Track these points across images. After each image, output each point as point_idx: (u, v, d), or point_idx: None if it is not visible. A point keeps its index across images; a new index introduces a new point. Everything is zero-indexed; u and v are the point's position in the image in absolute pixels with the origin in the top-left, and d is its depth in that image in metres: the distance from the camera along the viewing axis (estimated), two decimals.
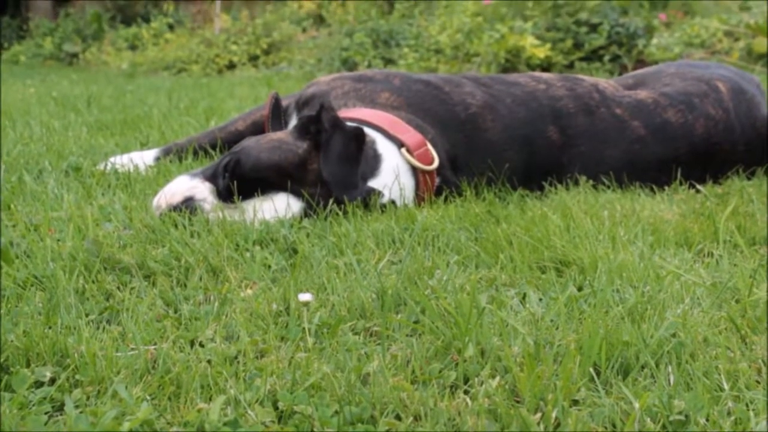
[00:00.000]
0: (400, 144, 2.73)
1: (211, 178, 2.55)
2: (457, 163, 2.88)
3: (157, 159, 3.35)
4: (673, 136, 3.11)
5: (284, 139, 2.61)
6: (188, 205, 2.49)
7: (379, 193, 2.60)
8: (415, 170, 2.72)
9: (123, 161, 3.25)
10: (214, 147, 3.37)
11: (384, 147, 2.72)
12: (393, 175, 2.67)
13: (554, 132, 3.00)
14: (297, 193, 2.53)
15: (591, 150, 3.01)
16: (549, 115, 3.01)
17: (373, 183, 2.63)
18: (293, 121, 3.10)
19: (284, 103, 3.17)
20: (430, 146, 2.78)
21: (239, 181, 2.50)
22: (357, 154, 2.60)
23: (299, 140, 2.60)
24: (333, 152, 2.55)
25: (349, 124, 2.67)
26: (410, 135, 2.76)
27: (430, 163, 2.75)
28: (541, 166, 2.97)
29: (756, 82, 3.55)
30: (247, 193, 2.51)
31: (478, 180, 2.86)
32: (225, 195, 2.51)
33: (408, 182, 2.70)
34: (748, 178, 3.13)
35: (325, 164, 2.54)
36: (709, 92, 3.24)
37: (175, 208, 2.48)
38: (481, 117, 2.95)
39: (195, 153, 3.37)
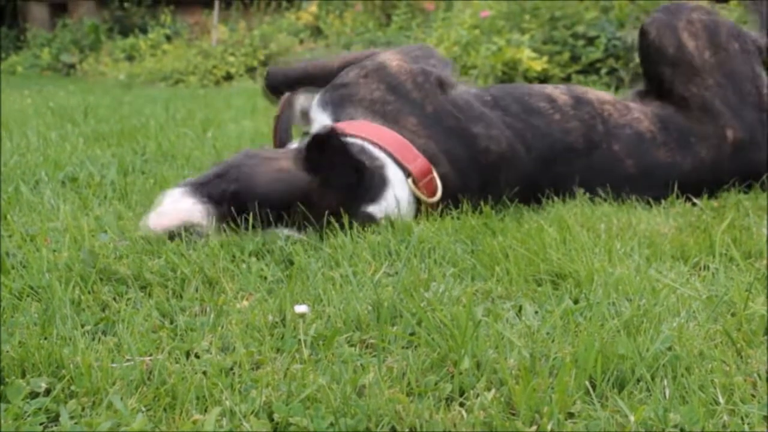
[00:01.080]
0: (408, 173, 2.71)
1: (210, 198, 2.48)
2: (469, 200, 2.83)
3: None
4: (660, 175, 3.08)
5: (287, 168, 2.55)
6: (185, 229, 2.41)
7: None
8: (417, 200, 2.72)
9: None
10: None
11: (393, 173, 2.69)
12: (395, 203, 2.65)
13: (561, 167, 2.99)
14: (298, 227, 2.49)
15: (585, 179, 3.00)
16: (561, 151, 3.00)
17: (373, 208, 2.61)
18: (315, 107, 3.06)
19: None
20: (435, 175, 2.75)
21: (241, 210, 2.45)
22: (357, 185, 2.59)
23: (303, 172, 2.54)
24: (333, 185, 2.54)
25: (355, 141, 2.69)
26: (418, 163, 2.73)
27: (434, 193, 2.73)
28: (542, 189, 2.97)
29: None
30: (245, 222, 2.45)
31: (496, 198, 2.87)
32: (228, 222, 2.44)
33: (410, 213, 2.70)
34: (745, 192, 3.13)
35: (326, 197, 2.53)
36: (711, 137, 3.17)
37: (171, 232, 2.41)
38: (502, 163, 2.91)
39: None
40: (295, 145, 2.79)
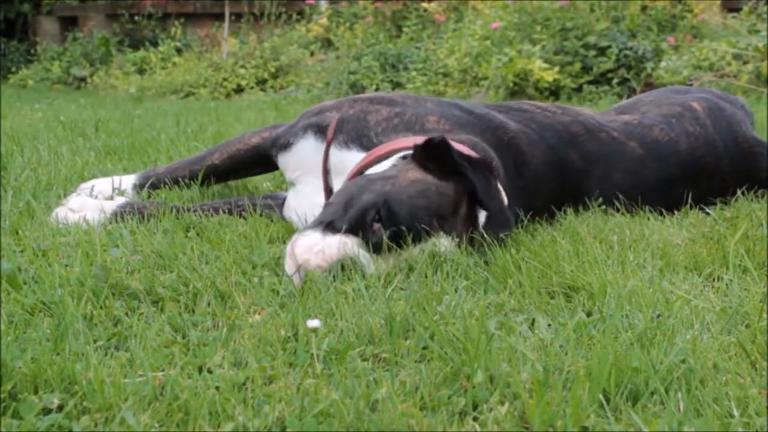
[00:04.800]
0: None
1: (352, 230, 2.29)
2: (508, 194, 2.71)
3: (136, 186, 3.25)
4: (664, 153, 3.17)
5: (428, 180, 2.42)
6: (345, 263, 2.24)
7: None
8: None
9: (101, 187, 3.20)
10: (192, 179, 3.25)
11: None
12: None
13: (576, 158, 2.98)
14: (448, 234, 2.37)
15: (604, 174, 3.01)
16: (568, 141, 3.00)
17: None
18: (305, 140, 2.95)
19: (283, 129, 3.10)
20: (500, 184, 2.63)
21: (393, 230, 2.28)
22: (497, 187, 2.51)
23: (443, 181, 2.42)
24: (485, 191, 2.44)
25: (469, 152, 2.58)
26: (495, 164, 2.65)
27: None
28: (569, 193, 2.96)
29: (740, 103, 3.69)
30: (399, 242, 2.29)
31: (525, 214, 2.78)
32: (379, 247, 2.28)
33: None
34: (757, 201, 3.12)
35: (487, 204, 2.45)
36: (684, 113, 3.35)
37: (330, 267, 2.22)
38: (521, 141, 2.90)
39: (175, 183, 3.25)
40: (389, 163, 2.62)
